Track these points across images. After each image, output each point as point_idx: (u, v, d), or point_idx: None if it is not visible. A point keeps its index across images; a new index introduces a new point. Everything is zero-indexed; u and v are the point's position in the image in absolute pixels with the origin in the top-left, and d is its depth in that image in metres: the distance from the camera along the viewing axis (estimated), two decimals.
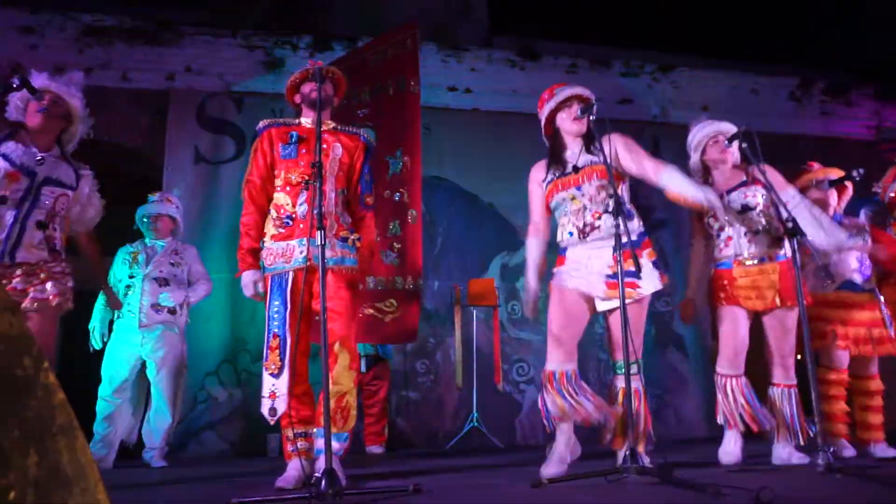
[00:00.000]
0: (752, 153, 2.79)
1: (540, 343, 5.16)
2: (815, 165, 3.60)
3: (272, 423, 2.43)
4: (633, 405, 2.43)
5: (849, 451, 3.18)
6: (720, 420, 2.97)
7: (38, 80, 2.56)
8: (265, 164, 2.66)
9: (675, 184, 2.61)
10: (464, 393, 4.84)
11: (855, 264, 3.41)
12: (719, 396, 2.96)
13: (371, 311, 3.31)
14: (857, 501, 1.86)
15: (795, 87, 6.29)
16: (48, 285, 2.45)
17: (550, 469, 2.49)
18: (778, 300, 2.89)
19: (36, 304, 2.41)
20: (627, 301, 2.43)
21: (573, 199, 2.71)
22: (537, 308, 2.85)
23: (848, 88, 6.35)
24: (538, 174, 2.87)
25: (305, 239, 2.45)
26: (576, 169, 2.73)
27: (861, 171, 3.29)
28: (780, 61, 6.36)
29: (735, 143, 3.03)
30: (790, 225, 2.58)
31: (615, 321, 2.64)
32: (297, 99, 2.77)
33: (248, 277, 2.57)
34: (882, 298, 3.38)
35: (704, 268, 3.16)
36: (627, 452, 2.23)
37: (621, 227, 2.35)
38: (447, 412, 4.97)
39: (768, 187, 2.79)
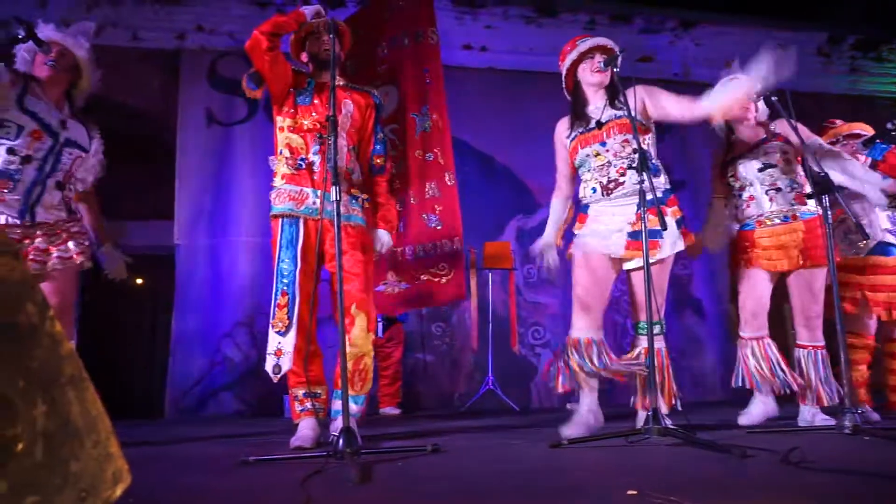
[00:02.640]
0: (784, 107, 2.68)
1: (556, 307, 5.12)
2: (838, 122, 3.47)
3: (276, 380, 2.42)
4: (655, 365, 2.38)
5: (874, 416, 3.13)
6: (735, 383, 2.92)
7: (45, 31, 2.49)
8: (284, 69, 2.53)
9: (719, 97, 2.54)
10: (479, 356, 4.83)
11: (887, 224, 3.30)
12: (741, 359, 2.90)
13: (427, 276, 3.29)
14: (886, 461, 1.81)
15: (824, 43, 6.05)
16: (70, 244, 2.48)
17: (571, 430, 2.47)
18: (802, 259, 2.81)
19: (60, 263, 2.41)
20: (650, 261, 2.37)
21: (597, 154, 2.63)
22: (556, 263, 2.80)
23: (879, 43, 6.10)
24: (562, 131, 2.81)
25: (319, 191, 2.43)
26: (599, 124, 2.65)
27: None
28: (807, 17, 6.11)
29: (760, 100, 2.92)
30: (822, 180, 2.48)
31: (638, 280, 2.59)
32: (304, 57, 2.69)
33: (278, 225, 2.49)
34: None
35: (724, 221, 3.06)
36: (650, 413, 2.20)
37: (646, 182, 2.27)
38: (463, 375, 4.97)
39: (787, 142, 2.70)
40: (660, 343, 2.53)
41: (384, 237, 2.66)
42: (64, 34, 2.55)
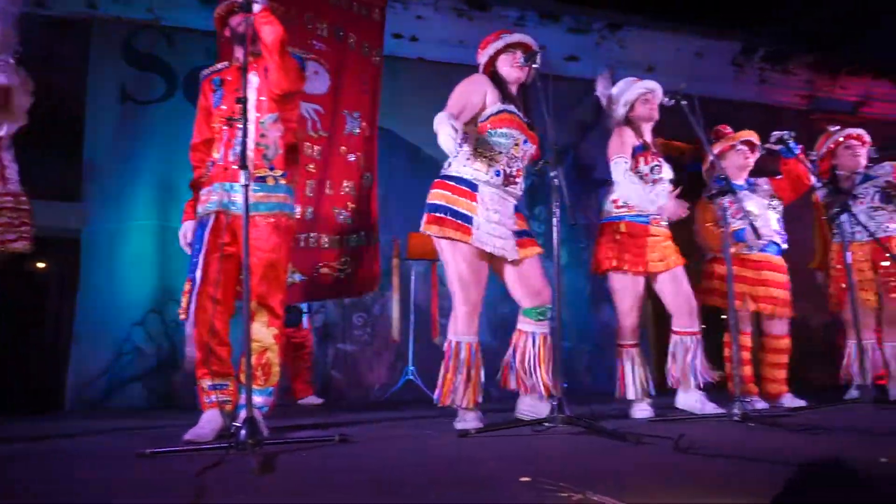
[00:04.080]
0: (691, 112, 2.80)
1: None
2: (728, 129, 3.68)
3: (189, 369, 2.35)
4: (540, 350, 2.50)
5: (761, 405, 3.35)
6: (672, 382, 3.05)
7: None
8: (204, 119, 2.58)
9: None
10: (400, 346, 4.83)
11: (776, 226, 3.53)
12: (622, 368, 3.06)
13: (326, 270, 3.24)
14: (768, 446, 1.94)
15: (738, 53, 6.38)
16: None
17: (481, 422, 2.50)
18: (679, 258, 3.04)
19: None
20: (534, 254, 2.59)
21: (516, 145, 2.65)
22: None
23: (786, 57, 6.50)
24: (486, 88, 2.64)
25: (219, 184, 2.42)
26: (530, 125, 2.70)
27: (791, 132, 3.37)
28: (725, 27, 6.43)
29: (672, 103, 3.04)
30: (725, 182, 2.66)
31: (531, 267, 2.64)
32: (227, 33, 2.60)
33: (183, 228, 2.57)
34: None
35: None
36: (554, 403, 2.26)
37: (564, 190, 2.33)
38: (383, 365, 4.96)
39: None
40: (546, 328, 2.61)
41: None
42: None
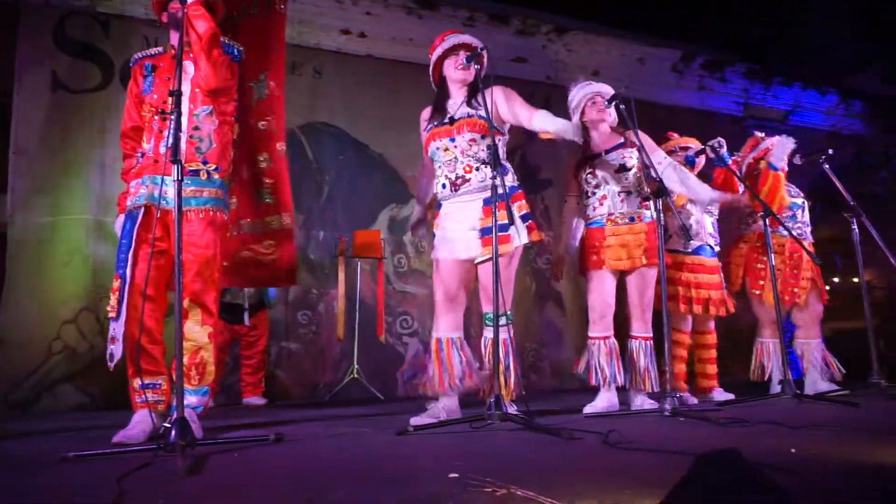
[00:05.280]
0: (629, 116, 2.88)
1: (424, 297, 5.20)
2: (674, 135, 3.83)
3: (111, 369, 2.28)
4: (500, 355, 2.49)
5: (692, 401, 3.48)
6: (579, 371, 3.13)
7: None
8: (135, 106, 2.51)
9: (543, 122, 2.68)
10: (345, 345, 4.79)
11: (710, 229, 3.69)
12: (589, 357, 3.09)
13: (249, 253, 3.09)
14: (691, 437, 2.03)
15: (678, 60, 6.59)
16: None
17: (421, 419, 2.52)
18: (644, 259, 3.05)
19: None
20: (500, 255, 2.50)
21: (446, 149, 2.72)
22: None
23: (723, 66, 6.76)
24: (424, 119, 2.90)
25: (149, 176, 2.36)
26: (452, 120, 2.72)
27: (720, 140, 3.52)
28: (667, 35, 6.63)
29: (613, 106, 3.13)
30: (659, 185, 2.73)
31: (486, 273, 2.66)
32: (164, 18, 2.53)
33: (118, 221, 2.53)
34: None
35: (577, 224, 3.29)
36: (492, 400, 2.29)
37: (498, 178, 2.35)
38: (328, 364, 4.91)
39: (640, 149, 2.91)
40: (504, 333, 2.65)
41: None
42: None
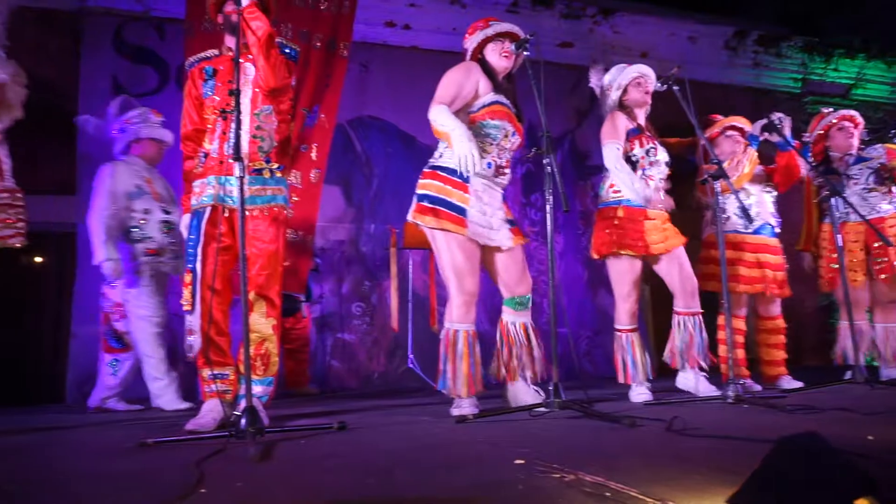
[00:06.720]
0: (683, 97, 2.81)
1: None
2: (718, 117, 3.69)
3: (190, 360, 2.38)
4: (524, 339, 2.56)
5: (756, 388, 3.39)
6: (667, 358, 3.08)
7: None
8: (194, 108, 2.57)
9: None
10: (399, 335, 4.85)
11: (771, 209, 3.57)
12: (622, 351, 3.08)
13: None
14: (758, 424, 1.98)
15: (731, 37, 6.37)
16: None
17: (461, 410, 2.49)
18: (677, 240, 3.05)
19: None
20: (518, 244, 2.63)
21: (507, 136, 2.67)
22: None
23: (778, 41, 6.49)
24: (478, 77, 2.64)
25: (214, 177, 2.42)
26: (518, 116, 2.71)
27: (781, 116, 3.38)
28: (718, 11, 6.42)
29: (665, 87, 3.05)
30: (718, 167, 2.68)
31: (509, 260, 2.66)
32: (220, 20, 2.59)
33: (184, 220, 2.59)
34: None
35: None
36: (551, 387, 2.29)
37: (557, 177, 2.34)
38: (382, 354, 4.99)
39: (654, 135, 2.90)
40: (524, 317, 2.64)
41: None
42: None
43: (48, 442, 2.29)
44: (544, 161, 2.40)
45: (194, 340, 2.33)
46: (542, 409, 2.31)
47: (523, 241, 2.70)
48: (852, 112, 3.87)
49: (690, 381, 3.00)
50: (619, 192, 3.06)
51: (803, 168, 3.49)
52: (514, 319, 2.66)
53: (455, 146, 2.41)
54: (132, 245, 3.48)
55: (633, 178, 2.97)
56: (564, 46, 5.93)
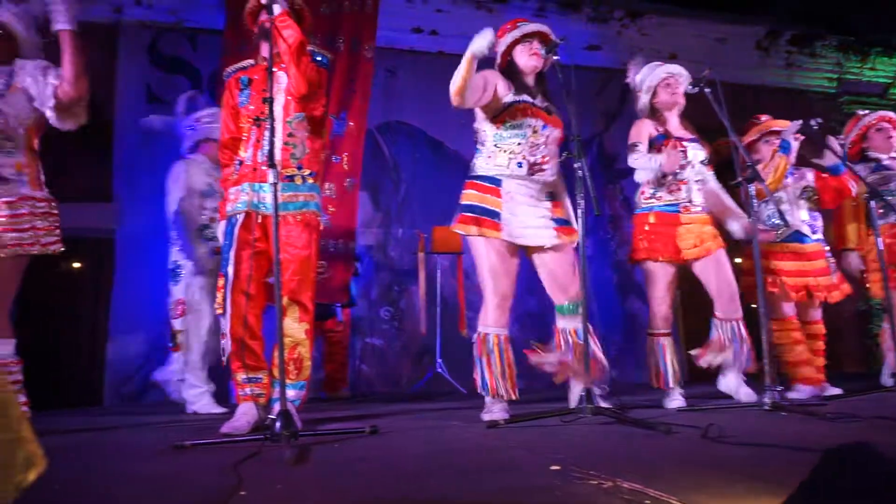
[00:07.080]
0: (714, 99, 2.77)
1: None
2: (763, 117, 3.62)
3: (224, 362, 2.42)
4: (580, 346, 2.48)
5: (836, 391, 3.30)
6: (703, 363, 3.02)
7: None
8: (231, 118, 2.62)
9: None
10: (428, 340, 4.86)
11: (805, 217, 3.48)
12: (657, 358, 3.01)
13: None
14: (798, 433, 1.93)
15: (762, 37, 6.26)
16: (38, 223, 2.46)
17: (491, 415, 2.48)
18: (715, 246, 2.98)
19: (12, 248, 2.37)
20: (563, 241, 2.60)
21: (535, 132, 2.65)
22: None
23: (812, 40, 6.36)
24: (497, 80, 2.67)
25: (248, 184, 2.46)
26: (548, 110, 2.70)
27: (818, 120, 3.30)
28: (748, 11, 6.31)
29: (695, 89, 3.01)
30: (751, 170, 2.64)
31: (556, 261, 2.63)
32: (255, 29, 2.64)
33: (220, 226, 2.61)
34: (827, 247, 3.50)
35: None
36: (583, 393, 2.27)
37: (588, 180, 2.33)
38: (411, 358, 5.01)
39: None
40: (576, 323, 2.58)
41: None
42: None
43: (83, 443, 2.34)
44: (575, 165, 2.39)
45: (226, 343, 2.38)
46: (574, 415, 2.28)
47: (569, 239, 2.65)
48: (891, 113, 3.78)
49: (732, 385, 2.95)
50: (650, 198, 3.05)
51: (854, 189, 3.42)
52: (565, 325, 2.63)
53: (469, 52, 2.48)
54: (205, 243, 3.50)
55: (647, 158, 2.93)
56: (592, 49, 5.89)
